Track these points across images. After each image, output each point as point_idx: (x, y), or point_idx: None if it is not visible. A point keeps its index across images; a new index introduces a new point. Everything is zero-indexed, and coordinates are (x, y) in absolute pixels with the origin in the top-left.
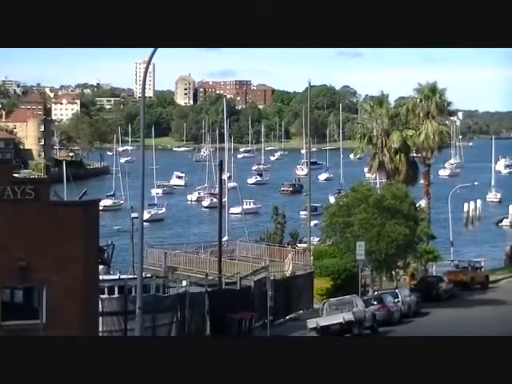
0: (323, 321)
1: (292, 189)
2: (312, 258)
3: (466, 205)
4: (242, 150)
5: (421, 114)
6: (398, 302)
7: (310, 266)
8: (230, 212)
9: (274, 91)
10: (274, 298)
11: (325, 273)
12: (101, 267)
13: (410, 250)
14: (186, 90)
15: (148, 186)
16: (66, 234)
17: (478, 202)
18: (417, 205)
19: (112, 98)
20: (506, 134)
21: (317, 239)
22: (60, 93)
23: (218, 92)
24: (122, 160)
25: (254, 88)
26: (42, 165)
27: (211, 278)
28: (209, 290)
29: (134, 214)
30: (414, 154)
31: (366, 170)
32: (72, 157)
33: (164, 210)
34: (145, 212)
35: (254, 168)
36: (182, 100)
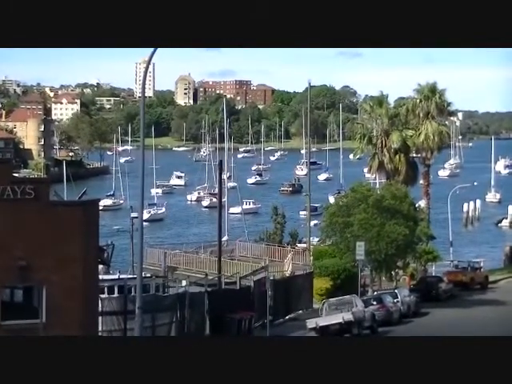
0: (323, 321)
1: (292, 189)
2: (312, 258)
3: (465, 205)
4: (241, 149)
5: (421, 115)
6: (398, 302)
7: (309, 266)
8: (230, 212)
9: (273, 91)
10: (274, 297)
11: (324, 273)
12: (100, 267)
13: (410, 250)
14: (185, 89)
15: (148, 186)
16: (66, 234)
17: (478, 202)
18: (416, 205)
19: (112, 98)
20: (505, 134)
21: (316, 239)
22: (60, 92)
23: (217, 92)
24: (122, 160)
25: (254, 88)
26: (42, 164)
27: (211, 277)
28: (208, 289)
29: (133, 214)
30: (414, 155)
31: (365, 170)
32: (72, 156)
33: (164, 209)
34: (144, 212)
35: (253, 168)
36: (181, 100)
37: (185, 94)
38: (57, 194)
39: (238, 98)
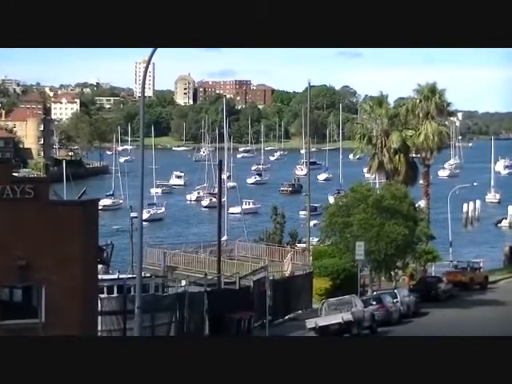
0: (322, 321)
1: (291, 189)
2: (311, 258)
3: (465, 205)
4: (241, 149)
5: (420, 115)
6: (397, 302)
7: (309, 265)
8: (230, 212)
9: (273, 91)
10: (273, 297)
11: (324, 273)
12: (100, 267)
13: (409, 250)
14: (185, 89)
15: (147, 186)
16: (66, 234)
17: (478, 202)
18: (416, 205)
19: (112, 98)
20: (505, 134)
21: (316, 239)
22: (60, 92)
23: (217, 92)
24: (122, 159)
25: (254, 88)
26: (42, 164)
27: (210, 277)
28: (208, 289)
29: (133, 214)
30: (414, 155)
31: (365, 170)
32: (71, 156)
33: (163, 209)
34: (144, 211)
35: (253, 168)
36: (181, 100)
37: (184, 93)
38: (56, 193)
39: (238, 97)
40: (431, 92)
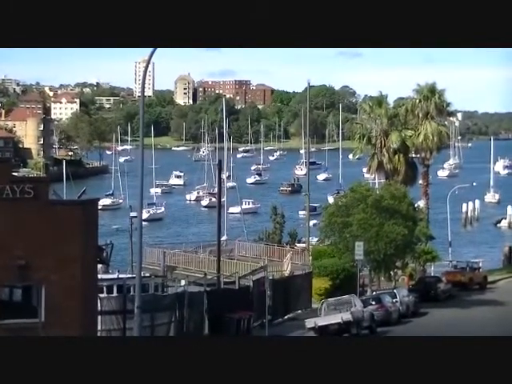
0: (321, 321)
1: (291, 189)
2: (311, 257)
3: (464, 205)
4: (241, 149)
5: (420, 115)
6: (397, 302)
7: (308, 265)
8: (229, 212)
9: (273, 91)
10: (273, 297)
11: (323, 273)
12: (99, 266)
13: (409, 250)
14: (185, 89)
15: (147, 186)
16: (65, 233)
17: (477, 202)
18: (415, 205)
19: (111, 97)
20: (504, 134)
21: (315, 239)
22: (59, 92)
23: (217, 92)
24: (121, 159)
25: (254, 88)
26: (41, 164)
27: (210, 277)
28: (207, 289)
29: (132, 214)
30: (413, 155)
31: (364, 170)
32: (71, 156)
33: (163, 209)
34: (144, 211)
35: (253, 168)
36: (181, 99)
37: (184, 93)
38: (56, 193)
39: (238, 97)
40: (431, 92)
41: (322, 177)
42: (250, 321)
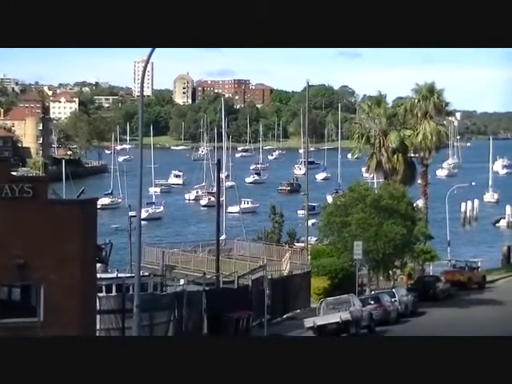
0: (320, 320)
1: (290, 188)
2: (309, 257)
3: (463, 205)
4: (240, 149)
5: (419, 114)
6: (395, 301)
7: (307, 265)
8: (228, 211)
9: (272, 90)
10: (272, 297)
11: (322, 272)
12: (98, 265)
13: (408, 249)
14: (184, 88)
15: (146, 185)
16: (64, 233)
17: (476, 202)
18: (414, 205)
19: (110, 97)
20: (503, 134)
21: (314, 238)
22: (58, 91)
23: (216, 91)
24: (120, 158)
25: (253, 87)
26: (40, 163)
27: (209, 276)
28: (206, 288)
29: (131, 213)
30: (412, 154)
31: (363, 169)
32: (70, 155)
33: (162, 208)
34: (142, 211)
35: (251, 167)
36: (180, 99)
37: (183, 93)
38: (55, 192)
39: (237, 97)
40: (429, 92)
41: (320, 176)
42: (249, 320)
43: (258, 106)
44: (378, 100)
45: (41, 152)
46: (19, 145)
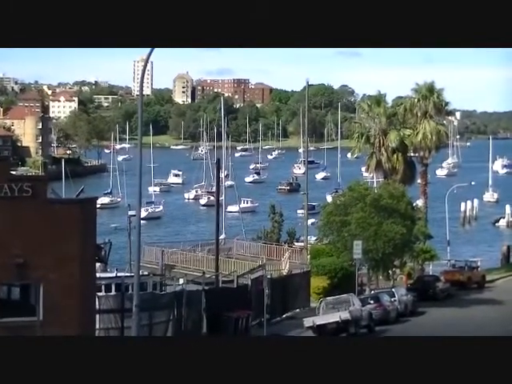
0: (320, 319)
1: (289, 187)
2: (309, 256)
3: (462, 204)
4: (239, 148)
5: (418, 114)
6: (395, 301)
7: (306, 264)
8: (228, 210)
9: (271, 90)
10: (271, 296)
11: (321, 271)
12: (98, 265)
13: (407, 249)
14: (183, 88)
15: (145, 184)
16: (64, 232)
17: (475, 201)
18: (414, 204)
19: (110, 96)
20: (503, 134)
21: (314, 238)
22: (58, 90)
23: (215, 90)
24: (120, 158)
25: (252, 87)
26: (40, 162)
27: (208, 276)
28: (206, 288)
29: (131, 212)
30: (412, 154)
31: (363, 169)
32: (69, 154)
33: (161, 208)
34: (142, 210)
35: (251, 166)
36: (179, 98)
37: (183, 92)
38: (54, 191)
39: (236, 96)
40: (429, 91)
41: (320, 176)
42: (249, 320)
43: (258, 105)
44: (378, 99)
45: (40, 151)
46: (19, 144)
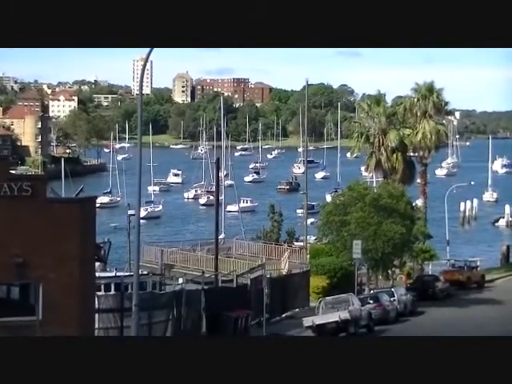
0: (319, 319)
1: (289, 187)
2: (308, 256)
3: (462, 204)
4: (239, 147)
5: (418, 114)
6: (394, 300)
7: (306, 264)
8: (227, 210)
9: (271, 89)
10: (270, 296)
11: (321, 271)
12: (97, 264)
13: (407, 248)
14: (183, 87)
15: (145, 184)
16: (63, 231)
17: (475, 201)
18: (413, 204)
19: (109, 95)
20: (503, 133)
21: (313, 237)
22: (57, 89)
23: (215, 90)
24: (119, 157)
25: (252, 86)
26: (39, 161)
27: (207, 275)
28: (205, 287)
29: (130, 212)
30: (411, 153)
31: (362, 168)
32: (69, 154)
33: (161, 207)
34: (141, 209)
35: (251, 166)
36: (179, 97)
37: (182, 91)
38: (53, 191)
39: (236, 96)
40: (429, 91)
41: (319, 175)
42: (248, 319)
43: (258, 104)
44: (378, 99)
45: (40, 150)
46: (18, 143)
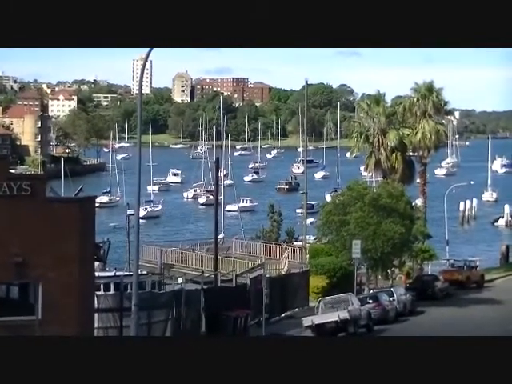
0: (318, 319)
1: (288, 187)
2: (308, 256)
3: (461, 204)
4: (238, 147)
5: (417, 113)
6: (394, 300)
7: (305, 264)
8: (226, 209)
9: (271, 89)
10: (270, 295)
11: (320, 271)
12: (97, 264)
13: (406, 248)
14: (183, 87)
15: (144, 183)
16: (62, 231)
17: (474, 201)
18: (413, 204)
19: (109, 95)
20: (502, 133)
21: (313, 237)
22: (57, 89)
23: (215, 89)
24: (119, 157)
25: (251, 86)
26: (39, 161)
27: (207, 275)
28: (204, 287)
29: (130, 211)
30: (411, 153)
31: (362, 168)
32: (68, 153)
33: (160, 207)
34: (141, 209)
35: (250, 166)
36: (179, 97)
37: (182, 91)
38: (53, 190)
39: (235, 95)
40: (428, 91)
41: (319, 175)
42: (247, 319)
43: (257, 104)
44: (377, 99)
45: (39, 150)
46: (18, 143)
